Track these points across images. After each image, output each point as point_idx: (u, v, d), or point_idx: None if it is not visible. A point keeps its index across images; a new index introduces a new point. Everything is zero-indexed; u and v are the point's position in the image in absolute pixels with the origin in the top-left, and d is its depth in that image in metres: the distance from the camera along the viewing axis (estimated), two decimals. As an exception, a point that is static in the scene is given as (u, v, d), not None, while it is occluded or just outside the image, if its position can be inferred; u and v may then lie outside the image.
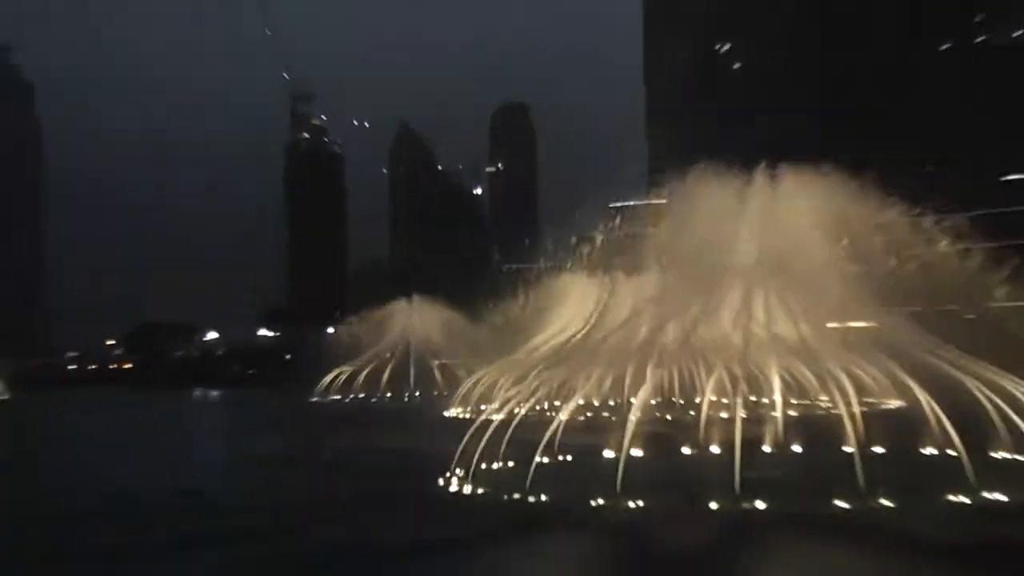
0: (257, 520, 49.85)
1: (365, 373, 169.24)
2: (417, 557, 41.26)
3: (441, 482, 55.86)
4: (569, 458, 58.56)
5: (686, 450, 60.28)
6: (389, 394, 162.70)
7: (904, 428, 57.89)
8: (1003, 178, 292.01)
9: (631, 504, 46.29)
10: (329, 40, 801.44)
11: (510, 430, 54.13)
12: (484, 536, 44.03)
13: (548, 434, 58.82)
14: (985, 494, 46.27)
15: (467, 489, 53.88)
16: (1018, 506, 45.71)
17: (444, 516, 48.97)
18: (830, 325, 59.74)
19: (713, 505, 45.16)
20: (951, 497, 46.00)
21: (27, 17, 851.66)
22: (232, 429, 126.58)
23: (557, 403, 62.32)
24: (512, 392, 61.02)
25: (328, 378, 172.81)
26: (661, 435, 65.54)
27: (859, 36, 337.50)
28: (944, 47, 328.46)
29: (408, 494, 54.28)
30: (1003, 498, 46.40)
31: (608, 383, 57.46)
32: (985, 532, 42.00)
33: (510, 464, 54.61)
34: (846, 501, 44.75)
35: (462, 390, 67.15)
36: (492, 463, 57.10)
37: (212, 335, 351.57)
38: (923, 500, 45.48)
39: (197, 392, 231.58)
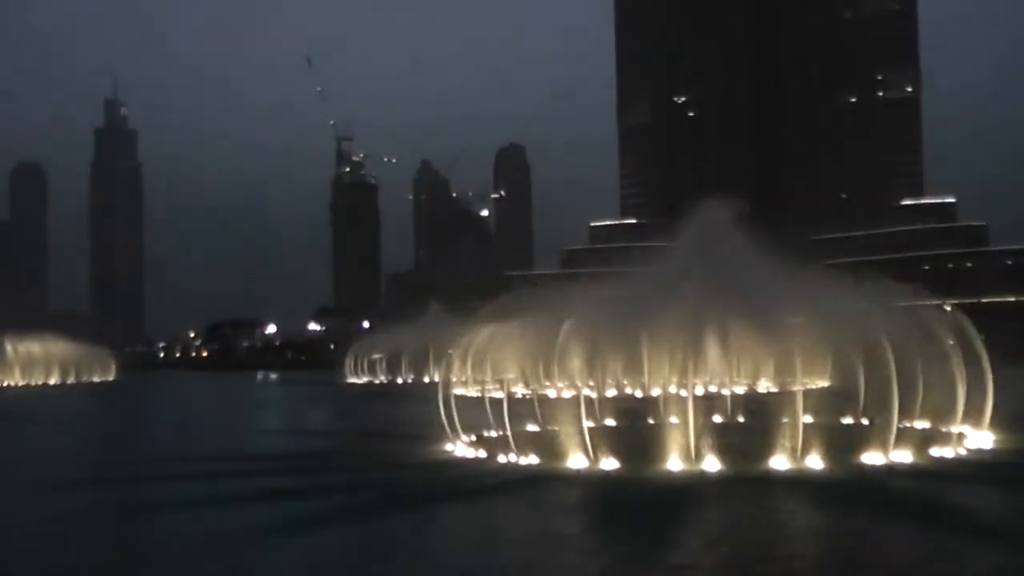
0: (310, 479, 48.85)
1: (389, 359, 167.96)
2: (435, 504, 40.25)
3: (448, 447, 54.91)
4: (555, 427, 57.41)
5: (651, 421, 59.14)
6: (411, 376, 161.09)
7: (829, 403, 57.07)
8: (900, 203, 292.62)
9: (604, 465, 45.30)
10: (365, 93, 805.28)
11: (505, 405, 52.85)
12: (484, 489, 42.99)
13: (536, 408, 58.10)
14: (892, 456, 45.36)
15: (470, 453, 52.91)
16: (919, 465, 44.98)
17: (452, 474, 47.85)
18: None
19: (673, 466, 44.09)
20: (865, 458, 45.12)
21: (131, 78, 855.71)
22: (285, 405, 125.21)
23: (546, 383, 61.40)
24: (506, 375, 59.75)
25: (350, 360, 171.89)
26: (631, 409, 64.61)
27: (787, 91, 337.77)
28: (852, 100, 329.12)
29: (424, 456, 53.25)
30: (908, 459, 45.59)
31: (586, 367, 56.19)
32: (891, 486, 41.17)
33: (505, 432, 53.34)
34: (782, 462, 43.77)
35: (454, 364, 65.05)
36: (490, 431, 56.15)
37: (271, 328, 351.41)
38: (843, 461, 44.50)
39: (260, 375, 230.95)
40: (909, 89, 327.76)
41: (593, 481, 43.47)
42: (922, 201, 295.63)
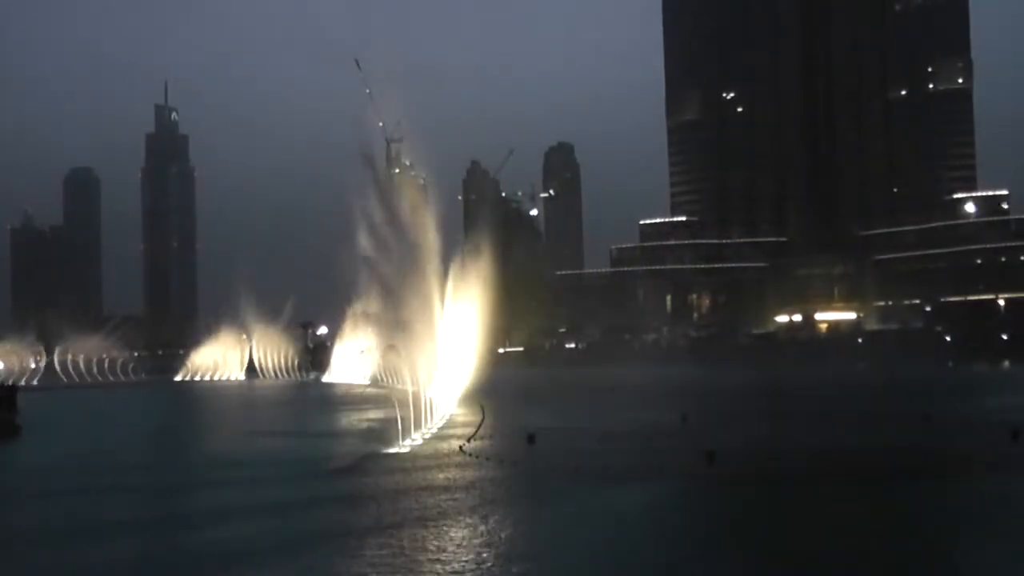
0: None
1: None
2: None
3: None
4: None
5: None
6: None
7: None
8: (952, 196, 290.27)
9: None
10: (415, 94, 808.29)
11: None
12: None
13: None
14: None
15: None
16: None
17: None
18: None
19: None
20: None
21: (181, 84, 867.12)
22: (341, 404, 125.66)
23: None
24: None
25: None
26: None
27: (837, 84, 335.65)
28: (903, 92, 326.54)
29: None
30: None
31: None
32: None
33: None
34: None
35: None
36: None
37: (323, 330, 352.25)
38: None
39: (312, 376, 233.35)
40: (960, 81, 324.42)
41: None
42: (974, 194, 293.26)
